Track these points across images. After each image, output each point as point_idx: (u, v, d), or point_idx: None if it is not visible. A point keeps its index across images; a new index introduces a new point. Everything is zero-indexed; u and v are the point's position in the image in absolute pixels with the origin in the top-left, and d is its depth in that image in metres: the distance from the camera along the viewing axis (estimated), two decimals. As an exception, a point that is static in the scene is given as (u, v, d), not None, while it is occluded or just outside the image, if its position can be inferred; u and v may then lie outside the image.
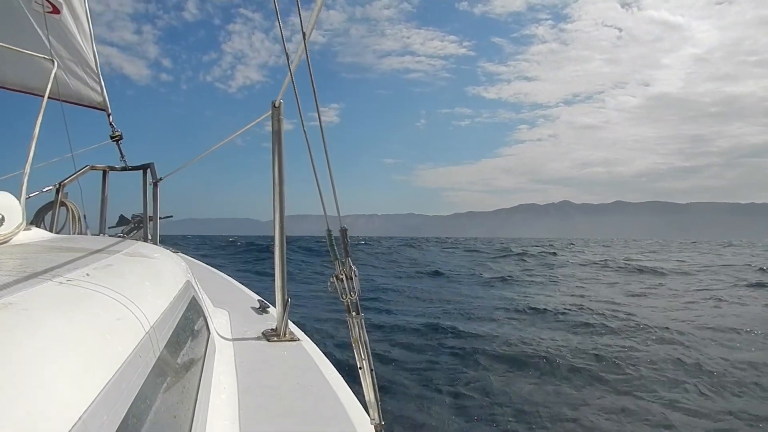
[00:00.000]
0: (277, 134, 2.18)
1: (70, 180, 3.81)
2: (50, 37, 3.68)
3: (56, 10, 3.90)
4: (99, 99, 4.41)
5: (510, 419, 4.57)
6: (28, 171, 1.99)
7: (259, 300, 2.96)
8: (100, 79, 4.34)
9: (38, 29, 3.75)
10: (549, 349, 6.64)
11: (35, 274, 0.92)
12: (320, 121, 1.38)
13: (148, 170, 3.96)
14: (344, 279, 1.48)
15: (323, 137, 1.39)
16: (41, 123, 2.15)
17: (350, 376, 1.77)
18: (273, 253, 2.25)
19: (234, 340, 2.16)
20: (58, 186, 3.73)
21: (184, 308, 1.38)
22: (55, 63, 3.05)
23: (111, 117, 4.45)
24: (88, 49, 4.19)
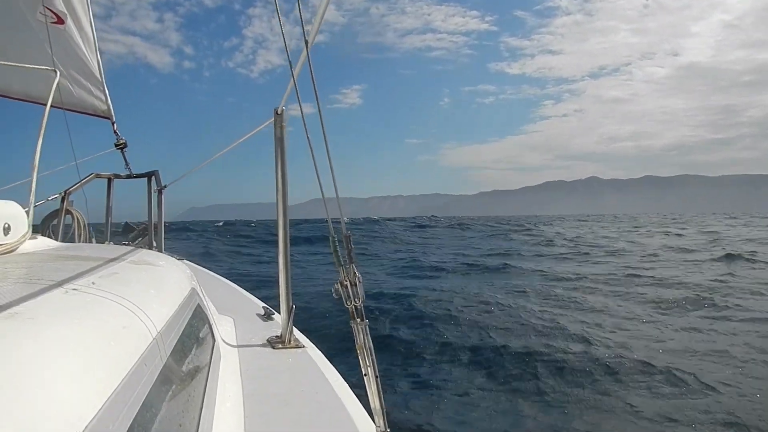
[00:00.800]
0: (279, 141, 2.18)
1: (75, 188, 3.83)
2: (55, 47, 3.71)
3: (60, 21, 3.93)
4: (103, 107, 4.44)
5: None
6: (35, 180, 2.00)
7: (264, 307, 2.96)
8: (104, 88, 4.37)
9: (42, 40, 3.78)
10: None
11: (41, 283, 0.92)
12: (323, 129, 1.39)
13: (153, 178, 3.98)
14: (348, 285, 1.48)
15: (326, 144, 1.40)
16: (45, 132, 2.17)
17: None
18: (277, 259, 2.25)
19: (239, 347, 2.16)
20: (63, 194, 3.75)
21: (189, 316, 1.39)
22: (57, 73, 3.07)
23: (115, 125, 4.48)
24: (93, 59, 4.22)
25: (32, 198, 1.95)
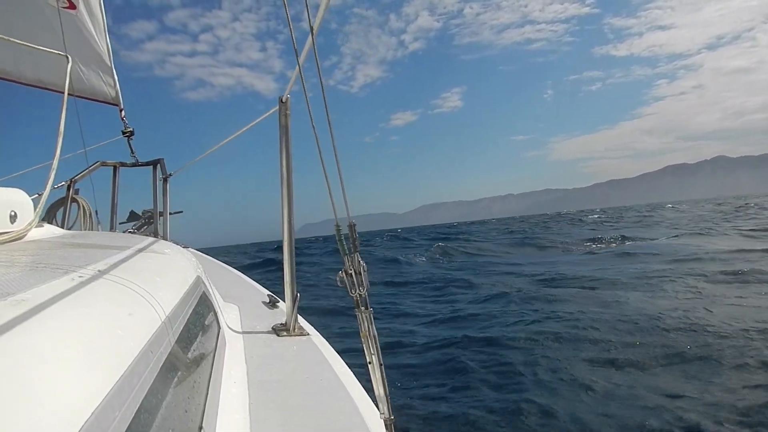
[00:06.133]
0: (284, 129, 2.18)
1: (81, 176, 3.85)
2: (66, 33, 3.71)
3: (72, 6, 3.93)
4: (113, 94, 4.45)
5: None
6: (55, 167, 2.01)
7: (268, 295, 2.98)
8: (113, 74, 4.38)
9: (54, 25, 3.78)
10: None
11: (48, 270, 0.93)
12: (328, 116, 1.38)
13: (158, 166, 3.99)
14: (353, 274, 1.48)
15: (331, 133, 1.39)
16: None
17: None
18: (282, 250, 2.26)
19: (244, 334, 2.18)
20: (69, 182, 3.78)
21: (195, 303, 1.40)
22: (70, 60, 3.08)
23: (123, 112, 4.49)
24: (102, 44, 4.22)
25: (50, 185, 1.96)
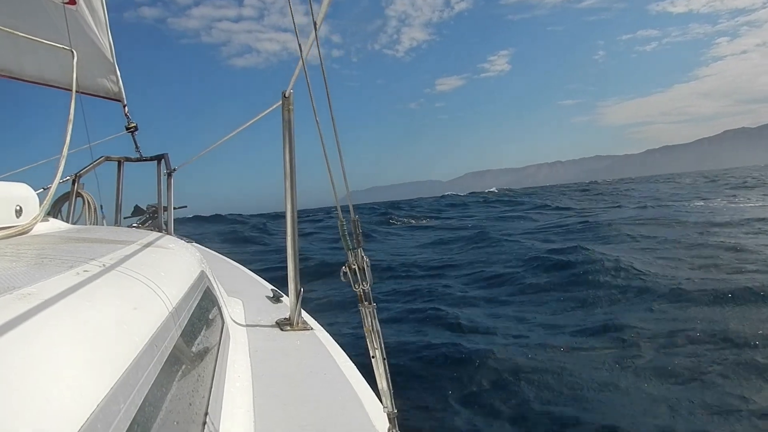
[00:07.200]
0: (287, 124, 2.17)
1: (86, 171, 3.86)
2: (68, 29, 3.70)
3: (72, 1, 3.92)
4: (116, 90, 4.45)
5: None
6: (63, 164, 2.02)
7: (272, 289, 2.99)
8: (116, 70, 4.37)
9: (56, 21, 3.77)
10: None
11: (53, 264, 0.94)
12: (331, 111, 1.38)
13: (163, 161, 4.00)
14: (357, 269, 1.48)
15: (335, 128, 1.39)
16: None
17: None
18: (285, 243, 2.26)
19: (248, 328, 2.19)
20: (74, 177, 3.79)
21: (199, 297, 1.40)
22: (75, 54, 3.07)
23: (126, 108, 4.48)
24: (104, 40, 4.21)
25: (57, 181, 1.97)
